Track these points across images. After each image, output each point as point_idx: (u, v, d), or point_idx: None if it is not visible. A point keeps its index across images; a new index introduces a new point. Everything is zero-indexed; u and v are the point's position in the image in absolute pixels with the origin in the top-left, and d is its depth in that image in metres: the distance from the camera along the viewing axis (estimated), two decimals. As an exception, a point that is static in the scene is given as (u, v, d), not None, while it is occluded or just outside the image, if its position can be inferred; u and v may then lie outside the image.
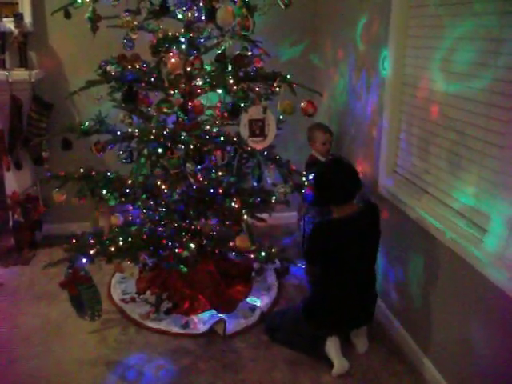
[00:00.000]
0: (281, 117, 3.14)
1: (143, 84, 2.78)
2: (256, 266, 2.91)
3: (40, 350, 2.77)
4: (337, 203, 2.65)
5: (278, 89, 2.61)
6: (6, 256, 3.87)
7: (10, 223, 3.98)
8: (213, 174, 2.97)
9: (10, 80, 3.61)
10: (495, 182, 2.03)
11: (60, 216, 4.14)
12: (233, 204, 2.75)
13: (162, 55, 2.67)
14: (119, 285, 3.38)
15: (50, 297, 3.23)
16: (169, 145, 2.63)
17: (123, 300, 3.20)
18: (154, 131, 2.67)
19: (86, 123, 2.81)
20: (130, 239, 2.65)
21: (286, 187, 2.81)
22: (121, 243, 2.60)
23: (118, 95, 2.78)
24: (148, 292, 3.20)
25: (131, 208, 3.08)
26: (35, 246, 4.02)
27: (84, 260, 2.50)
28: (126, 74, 2.64)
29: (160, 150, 2.61)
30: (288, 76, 2.62)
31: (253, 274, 2.91)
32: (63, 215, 4.11)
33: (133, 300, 3.18)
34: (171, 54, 2.60)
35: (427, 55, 2.50)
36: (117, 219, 3.05)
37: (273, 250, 2.85)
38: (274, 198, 2.96)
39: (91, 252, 2.53)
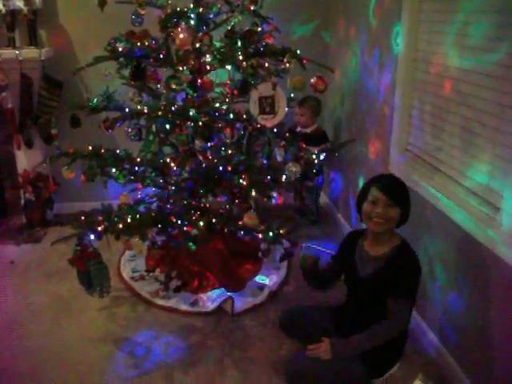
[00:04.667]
0: (292, 94, 3.10)
1: (151, 60, 2.75)
2: (263, 246, 2.88)
3: (49, 327, 2.80)
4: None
5: (287, 65, 2.56)
6: (18, 234, 3.89)
7: (22, 202, 4.00)
8: (222, 152, 2.94)
9: (20, 58, 3.60)
10: (509, 159, 1.97)
11: (71, 195, 4.16)
12: (241, 181, 2.72)
13: (171, 31, 2.63)
14: (129, 263, 3.39)
15: (60, 274, 3.24)
16: (177, 122, 2.60)
17: (133, 278, 3.21)
18: (162, 108, 2.63)
19: (95, 100, 2.79)
20: (138, 216, 2.63)
21: (296, 166, 2.77)
22: (129, 220, 2.58)
23: (127, 72, 2.75)
24: (157, 270, 3.20)
25: (140, 186, 3.07)
26: (46, 224, 4.04)
27: (92, 236, 2.49)
28: (133, 50, 2.61)
29: (168, 127, 2.59)
30: (298, 51, 2.57)
31: (259, 254, 2.87)
32: (74, 194, 4.14)
33: (142, 278, 3.19)
34: (180, 29, 2.56)
35: (441, 29, 2.44)
36: (126, 197, 3.05)
37: (281, 231, 2.81)
38: (284, 176, 2.92)
39: (99, 229, 2.52)
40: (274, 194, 3.02)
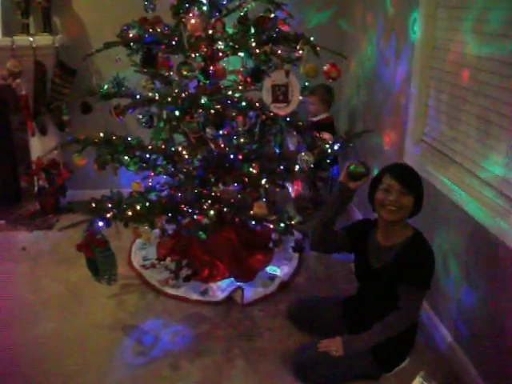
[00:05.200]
0: (306, 83, 3.06)
1: (163, 47, 2.72)
2: (274, 236, 2.85)
3: (59, 313, 2.80)
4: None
5: (300, 51, 2.51)
6: (31, 221, 3.91)
7: (35, 189, 4.01)
8: (234, 140, 2.90)
9: (34, 45, 3.60)
10: (526, 150, 1.91)
11: (85, 182, 4.15)
12: (251, 170, 2.68)
13: (182, 16, 2.60)
14: (140, 251, 3.38)
15: (71, 261, 3.23)
16: (188, 109, 2.57)
17: (143, 266, 3.20)
18: (173, 94, 2.61)
19: (105, 86, 2.77)
20: (147, 204, 2.61)
21: (309, 156, 2.72)
22: (138, 208, 2.57)
23: (138, 58, 2.73)
24: (168, 258, 3.19)
25: (152, 174, 3.05)
26: (59, 211, 4.05)
27: (100, 223, 2.48)
28: (144, 36, 2.58)
29: (177, 113, 2.56)
30: (312, 38, 2.52)
31: (270, 244, 2.84)
32: (88, 181, 4.12)
33: (153, 266, 3.18)
34: (191, 15, 2.52)
35: (459, 15, 2.37)
36: (138, 185, 3.04)
37: (293, 222, 2.78)
38: (297, 166, 2.88)
39: (108, 216, 2.50)
40: (289, 185, 3.00)
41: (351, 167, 2.27)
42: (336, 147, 2.87)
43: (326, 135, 2.95)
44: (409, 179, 2.18)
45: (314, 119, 3.87)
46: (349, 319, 2.47)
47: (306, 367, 2.31)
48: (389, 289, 2.23)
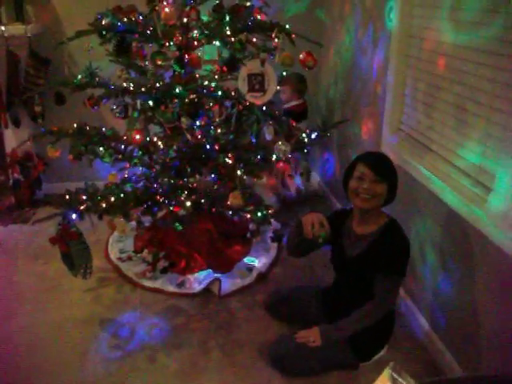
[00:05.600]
0: (284, 73, 3.03)
1: (137, 36, 2.66)
2: (252, 226, 2.82)
3: (34, 308, 2.75)
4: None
5: (276, 40, 2.48)
6: (6, 215, 3.83)
7: (10, 182, 3.94)
8: (211, 131, 2.87)
9: (6, 35, 3.49)
10: (503, 138, 1.91)
11: (61, 175, 4.11)
12: (227, 160, 2.65)
13: (156, 4, 2.55)
14: (117, 243, 3.34)
15: (48, 255, 3.18)
16: (162, 99, 2.53)
17: (120, 259, 3.16)
18: (147, 84, 2.56)
19: (79, 76, 2.71)
20: (122, 196, 2.57)
21: (286, 145, 2.70)
22: (112, 199, 2.52)
23: (111, 47, 2.67)
24: (145, 251, 3.15)
25: (128, 166, 3.00)
26: (35, 204, 3.98)
27: (74, 216, 2.44)
28: (116, 25, 2.52)
29: (151, 103, 2.51)
30: (287, 26, 2.49)
31: (248, 234, 2.81)
32: (65, 174, 4.08)
33: (129, 258, 3.14)
34: (165, 3, 2.48)
35: (435, 3, 2.36)
36: (114, 177, 2.99)
37: (270, 212, 2.75)
38: (274, 156, 2.85)
39: (81, 208, 2.46)
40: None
41: (321, 234, 2.16)
42: (313, 136, 2.85)
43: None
44: (382, 167, 2.17)
45: (287, 106, 3.87)
46: (327, 309, 2.47)
47: (283, 358, 2.30)
48: (364, 277, 2.23)
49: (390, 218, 2.26)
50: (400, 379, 0.87)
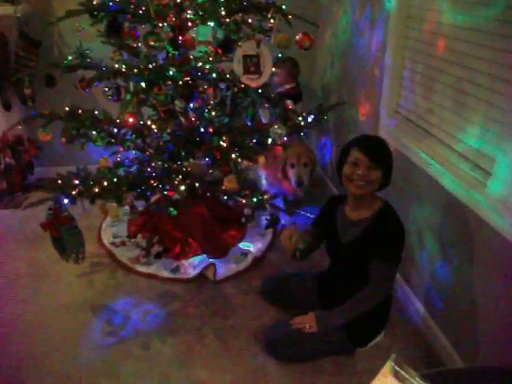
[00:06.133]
0: (280, 54, 2.98)
1: (129, 16, 2.59)
2: (247, 211, 2.79)
3: (26, 294, 2.72)
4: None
5: (272, 20, 2.42)
6: (-2, 199, 3.78)
7: (1, 166, 3.87)
8: (206, 114, 2.82)
9: (-5, 15, 3.43)
10: (503, 122, 1.87)
11: (54, 159, 4.07)
12: (221, 143, 2.61)
13: (148, -17, 2.48)
14: (110, 228, 3.30)
15: (40, 240, 3.13)
16: (155, 80, 2.47)
17: (113, 243, 3.12)
18: (141, 66, 2.50)
19: (70, 58, 2.65)
20: (115, 180, 2.52)
21: (281, 128, 2.65)
22: (105, 184, 2.47)
23: (102, 28, 2.60)
24: (139, 236, 3.11)
25: (121, 149, 2.95)
26: (27, 189, 3.92)
27: (66, 201, 2.39)
28: (108, 5, 2.45)
29: (144, 85, 2.46)
30: (284, 6, 2.43)
31: (243, 219, 2.78)
32: (57, 158, 4.04)
33: (123, 244, 3.10)
34: (158, -19, 2.41)
35: (435, -18, 2.30)
36: (105, 160, 2.94)
37: (265, 197, 2.71)
38: (269, 139, 2.80)
39: (73, 193, 2.41)
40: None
41: (298, 247, 2.31)
42: (310, 119, 2.81)
43: (289, 104, 2.88)
44: (377, 152, 2.12)
45: (280, 89, 3.82)
46: (322, 294, 2.44)
47: (277, 343, 2.28)
48: (359, 263, 2.20)
49: (384, 202, 2.22)
50: (402, 372, 0.84)
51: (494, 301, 1.95)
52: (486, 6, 1.93)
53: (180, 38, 2.60)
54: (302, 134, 2.91)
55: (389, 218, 2.17)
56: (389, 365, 0.85)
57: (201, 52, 2.83)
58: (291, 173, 3.27)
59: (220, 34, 2.70)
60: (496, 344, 1.94)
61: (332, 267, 2.45)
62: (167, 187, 2.71)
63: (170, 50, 2.60)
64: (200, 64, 2.69)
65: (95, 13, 2.50)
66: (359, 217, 2.21)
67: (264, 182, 3.61)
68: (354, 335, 2.26)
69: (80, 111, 2.72)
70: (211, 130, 2.69)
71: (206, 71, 2.63)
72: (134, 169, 2.83)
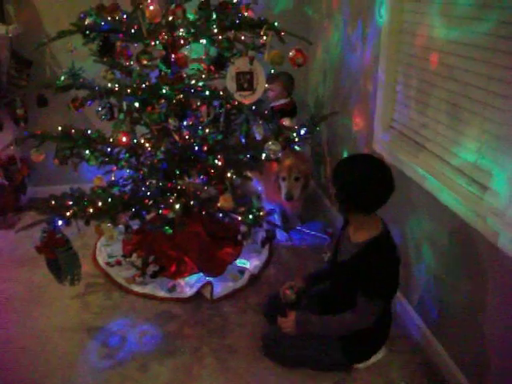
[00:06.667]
0: (272, 71, 2.98)
1: (121, 35, 2.59)
2: (243, 229, 2.77)
3: (20, 317, 2.68)
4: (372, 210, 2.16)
5: (265, 37, 2.42)
6: (-10, 220, 3.74)
7: (-6, 186, 3.85)
8: (199, 131, 2.81)
9: (-14, 36, 3.41)
10: (498, 135, 1.87)
11: (46, 178, 4.03)
12: (216, 161, 2.59)
13: (140, 2, 2.48)
14: (105, 248, 3.27)
15: (33, 262, 3.08)
16: (148, 99, 2.47)
17: (108, 263, 3.09)
18: (133, 85, 2.49)
19: (62, 78, 2.64)
20: (109, 200, 2.50)
21: (276, 144, 2.64)
22: (100, 204, 2.45)
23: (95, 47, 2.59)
24: (134, 255, 3.08)
25: (115, 168, 2.93)
26: (20, 209, 3.88)
27: (60, 222, 2.36)
28: (100, 24, 2.45)
29: (137, 104, 2.45)
30: (276, 23, 2.43)
31: (239, 237, 2.76)
32: (50, 177, 4.00)
33: (118, 263, 3.07)
34: (150, 1, 2.41)
35: (427, -3, 2.31)
36: (100, 180, 2.92)
37: (261, 214, 2.70)
38: (263, 155, 2.79)
39: (67, 214, 2.38)
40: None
41: (285, 295, 2.37)
42: (302, 132, 2.80)
43: (286, 121, 2.88)
44: (335, 172, 2.14)
45: (274, 104, 3.82)
46: (322, 312, 2.42)
47: (273, 349, 2.35)
48: (347, 286, 2.21)
49: (382, 230, 2.16)
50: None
51: (492, 315, 1.93)
52: (479, 21, 1.94)
53: (172, 56, 2.60)
54: (296, 147, 2.91)
55: (378, 253, 2.12)
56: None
57: (193, 69, 2.83)
58: (282, 186, 3.24)
59: (213, 52, 2.70)
60: (497, 357, 1.93)
61: (330, 284, 2.44)
62: (162, 206, 2.69)
63: (163, 68, 2.60)
64: (193, 82, 2.69)
65: (87, 32, 2.50)
66: (357, 239, 2.19)
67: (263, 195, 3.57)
68: (347, 350, 2.25)
69: (73, 131, 2.70)
70: (205, 148, 2.68)
71: (199, 89, 2.62)
72: (128, 188, 2.81)
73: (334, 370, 2.30)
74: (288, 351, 2.31)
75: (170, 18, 2.53)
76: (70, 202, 2.48)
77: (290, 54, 2.45)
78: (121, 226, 2.75)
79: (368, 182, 2.05)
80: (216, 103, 2.76)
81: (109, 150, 2.75)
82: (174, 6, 2.54)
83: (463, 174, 2.10)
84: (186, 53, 2.67)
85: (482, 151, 1.98)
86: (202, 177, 2.73)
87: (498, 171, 1.87)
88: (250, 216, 2.66)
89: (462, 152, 2.11)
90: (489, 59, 1.90)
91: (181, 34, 2.59)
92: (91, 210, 2.44)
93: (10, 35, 3.47)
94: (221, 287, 2.84)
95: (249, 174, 2.78)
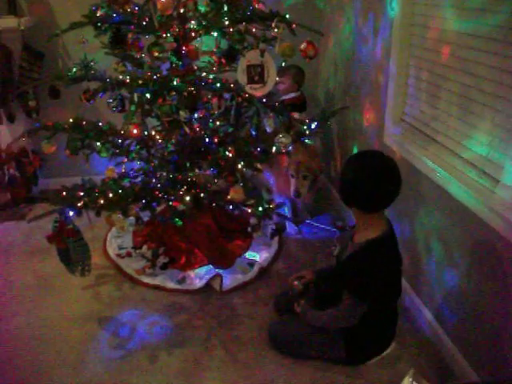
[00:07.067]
0: (283, 64, 2.98)
1: (133, 27, 2.60)
2: (252, 221, 2.77)
3: (31, 307, 2.70)
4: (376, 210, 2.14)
5: (276, 29, 2.42)
6: (2, 211, 3.77)
7: (6, 178, 3.87)
8: (210, 124, 2.81)
9: (-1, 28, 3.43)
10: (510, 128, 1.86)
11: (58, 170, 4.07)
12: (227, 153, 2.60)
13: (151, -6, 2.48)
14: (115, 239, 3.29)
15: (45, 252, 3.12)
16: (159, 91, 2.47)
17: (119, 255, 3.11)
18: (144, 77, 2.50)
19: (74, 69, 2.65)
20: (120, 191, 2.51)
21: (286, 137, 2.64)
22: (110, 195, 2.46)
23: (106, 39, 2.60)
24: (145, 246, 3.10)
25: (126, 160, 2.94)
26: (32, 201, 3.92)
27: (71, 213, 2.38)
28: (111, 16, 2.45)
29: (148, 96, 2.45)
30: (287, 15, 2.43)
31: (249, 229, 2.76)
32: (61, 169, 4.04)
33: (129, 255, 3.08)
34: (161, -8, 2.41)
35: (439, -10, 2.29)
36: (112, 171, 2.93)
37: (271, 206, 2.70)
38: (274, 148, 2.79)
39: (79, 204, 2.40)
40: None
41: (293, 287, 2.46)
42: (313, 126, 2.80)
43: (295, 115, 2.87)
44: (341, 170, 2.18)
45: (285, 97, 3.80)
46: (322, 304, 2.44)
47: (279, 339, 2.39)
48: (340, 283, 2.22)
49: (380, 234, 2.12)
50: (420, 388, 0.82)
51: (503, 309, 1.93)
52: (492, 13, 1.92)
53: (184, 48, 2.60)
54: (306, 140, 2.91)
55: (370, 256, 2.11)
56: (407, 381, 0.83)
57: (204, 62, 2.83)
58: (291, 182, 3.23)
59: (224, 44, 2.70)
60: (508, 353, 1.92)
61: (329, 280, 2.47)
62: (172, 198, 2.70)
63: (174, 60, 2.61)
64: (204, 74, 2.69)
65: (99, 24, 2.50)
66: (358, 240, 2.18)
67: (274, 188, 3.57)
68: (352, 348, 2.26)
69: (84, 122, 2.71)
70: (216, 140, 2.68)
71: (210, 81, 2.62)
72: (138, 180, 2.82)
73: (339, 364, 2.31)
74: (291, 344, 2.35)
75: (182, 10, 2.54)
76: (82, 193, 2.49)
77: (302, 46, 2.45)
78: (131, 218, 2.77)
79: (365, 183, 2.04)
80: (227, 96, 2.75)
81: (120, 141, 2.76)
82: (185, -3, 2.55)
83: (474, 166, 2.09)
84: (196, 45, 2.67)
85: (493, 144, 1.97)
86: (212, 169, 2.73)
87: (509, 164, 1.86)
88: (260, 208, 2.66)
89: (473, 145, 2.10)
90: (501, 51, 1.88)
91: (192, 26, 2.59)
92: (102, 201, 2.46)
93: (22, 28, 3.48)
94: (230, 279, 2.85)
95: (259, 166, 2.77)
